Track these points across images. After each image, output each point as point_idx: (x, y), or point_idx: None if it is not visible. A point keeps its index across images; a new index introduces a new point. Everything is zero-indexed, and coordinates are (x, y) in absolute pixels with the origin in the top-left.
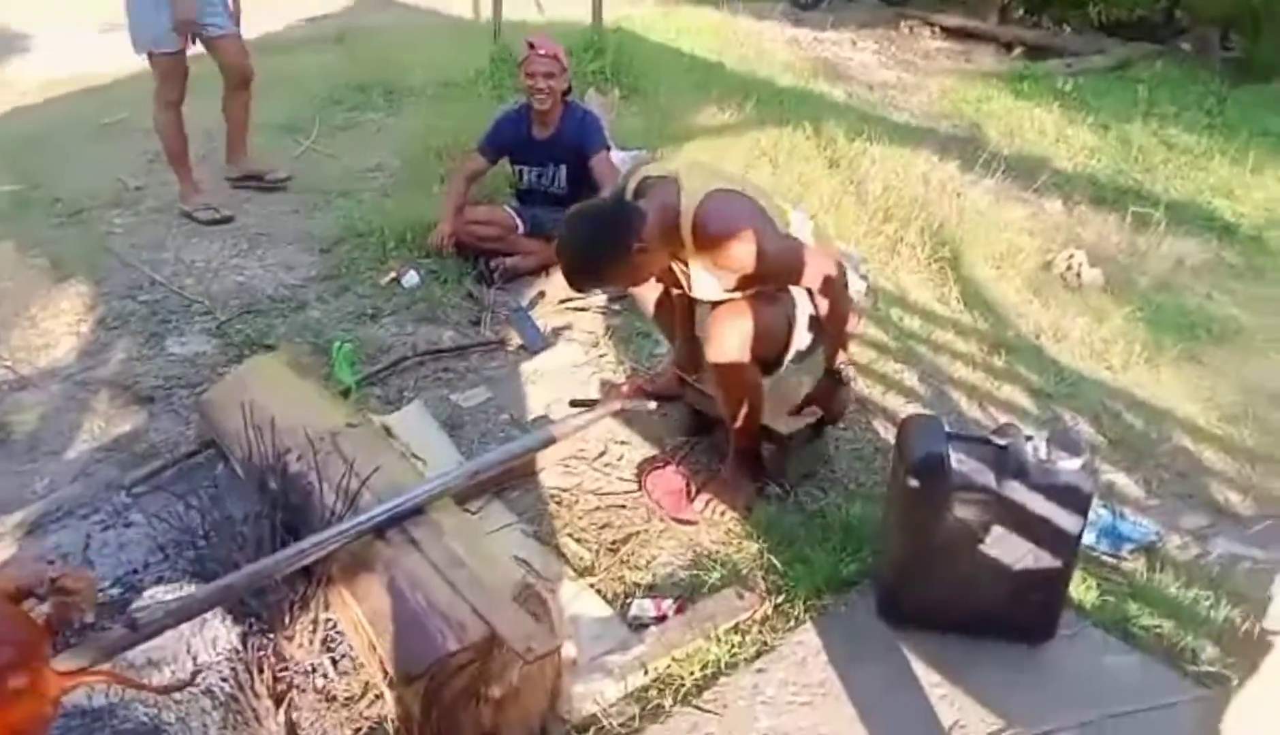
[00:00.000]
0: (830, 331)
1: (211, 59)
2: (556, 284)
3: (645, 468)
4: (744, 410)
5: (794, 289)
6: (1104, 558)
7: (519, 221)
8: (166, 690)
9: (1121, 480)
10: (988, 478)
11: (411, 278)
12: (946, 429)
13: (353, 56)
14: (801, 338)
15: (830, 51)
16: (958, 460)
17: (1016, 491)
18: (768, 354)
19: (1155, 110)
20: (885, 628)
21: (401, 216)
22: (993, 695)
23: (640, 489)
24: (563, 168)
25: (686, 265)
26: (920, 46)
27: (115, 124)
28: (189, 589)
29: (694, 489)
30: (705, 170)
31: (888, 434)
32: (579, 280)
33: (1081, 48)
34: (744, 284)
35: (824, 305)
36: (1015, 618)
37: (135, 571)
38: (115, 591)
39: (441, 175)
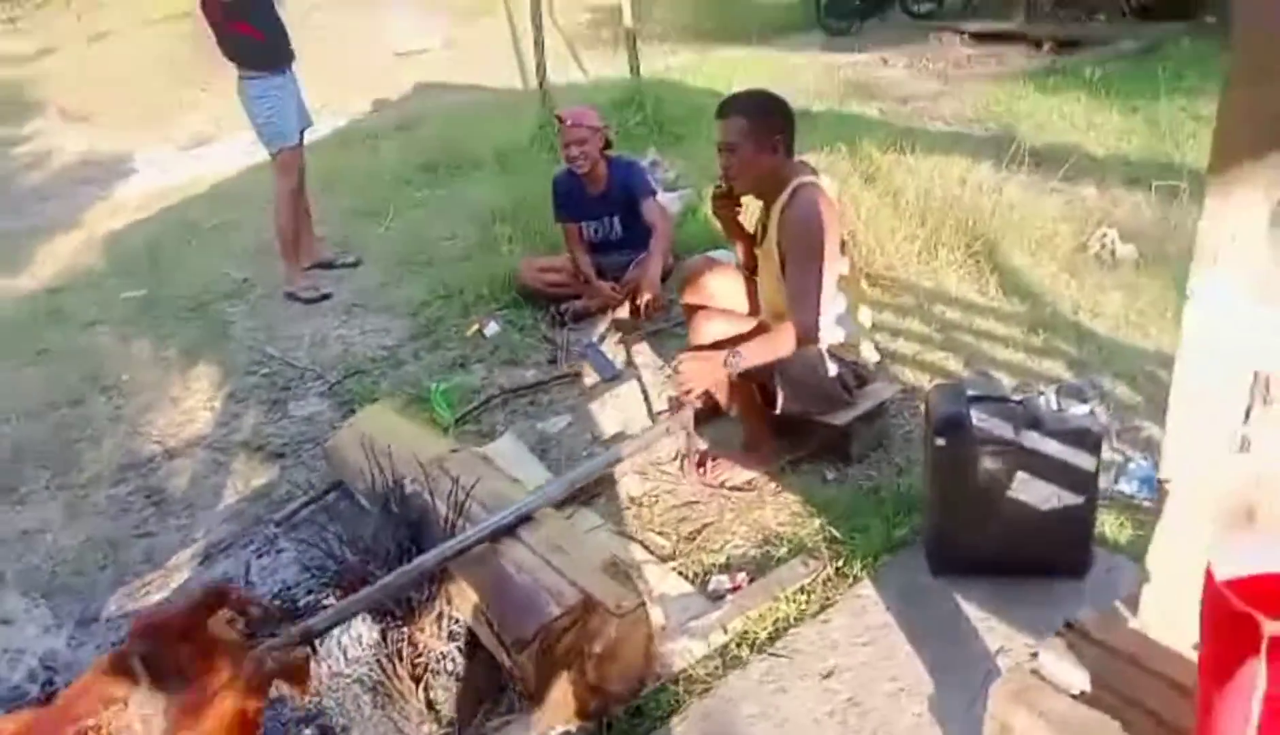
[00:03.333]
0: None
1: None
2: (620, 319)
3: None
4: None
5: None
6: (1145, 503)
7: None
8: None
9: (1159, 434)
10: (1006, 429)
11: (493, 327)
12: (969, 392)
13: (416, 140)
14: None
15: (862, 73)
16: (978, 417)
17: (1034, 440)
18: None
19: (1182, 86)
20: (934, 578)
21: (479, 275)
22: (1033, 624)
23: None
24: (616, 217)
25: (766, 219)
26: (951, 55)
27: (217, 226)
28: (332, 599)
29: (709, 461)
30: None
31: None
32: (733, 107)
33: (1110, 36)
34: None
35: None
36: (1049, 555)
37: (289, 587)
38: (276, 603)
39: (509, 235)
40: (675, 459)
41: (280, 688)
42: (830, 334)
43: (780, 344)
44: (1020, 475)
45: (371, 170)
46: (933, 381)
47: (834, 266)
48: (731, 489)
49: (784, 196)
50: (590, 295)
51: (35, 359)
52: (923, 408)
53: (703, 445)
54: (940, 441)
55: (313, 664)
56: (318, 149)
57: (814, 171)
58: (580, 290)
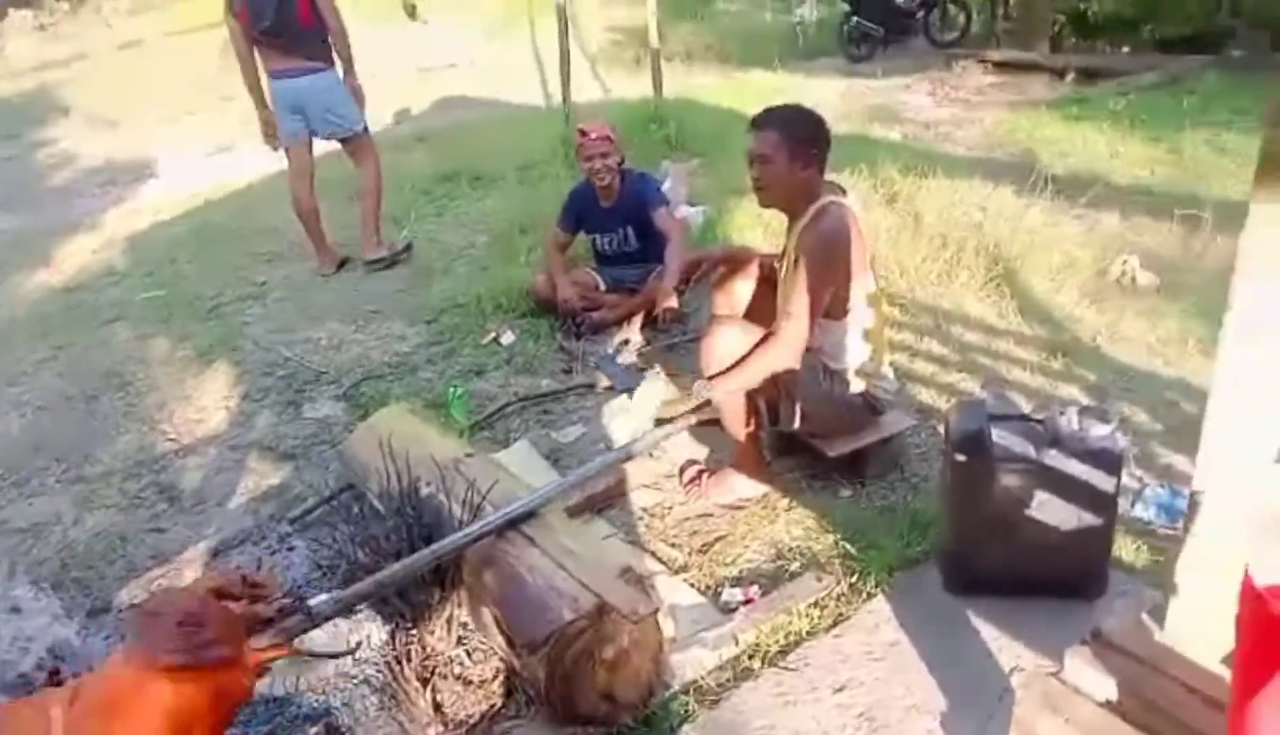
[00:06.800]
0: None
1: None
2: (636, 331)
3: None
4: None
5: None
6: (1161, 530)
7: (599, 280)
8: (336, 655)
9: (1180, 461)
10: (1027, 448)
11: (509, 336)
12: (989, 410)
13: (437, 151)
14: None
15: (883, 98)
16: (998, 435)
17: (1054, 459)
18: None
19: (1207, 119)
20: (949, 596)
21: (496, 285)
22: (1048, 643)
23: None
24: (630, 228)
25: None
26: (973, 83)
27: (236, 230)
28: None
29: (705, 476)
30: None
31: None
32: (769, 119)
33: (1134, 67)
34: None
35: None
36: (1066, 576)
37: (299, 585)
38: (285, 601)
39: (528, 247)
40: (680, 472)
41: (284, 682)
42: (855, 352)
43: (767, 361)
44: (1040, 494)
45: (392, 179)
46: (949, 402)
47: (861, 283)
48: (724, 506)
49: (810, 213)
50: (607, 306)
51: (53, 353)
52: (941, 427)
53: (703, 456)
54: (960, 458)
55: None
56: (339, 157)
57: (842, 190)
58: (596, 303)
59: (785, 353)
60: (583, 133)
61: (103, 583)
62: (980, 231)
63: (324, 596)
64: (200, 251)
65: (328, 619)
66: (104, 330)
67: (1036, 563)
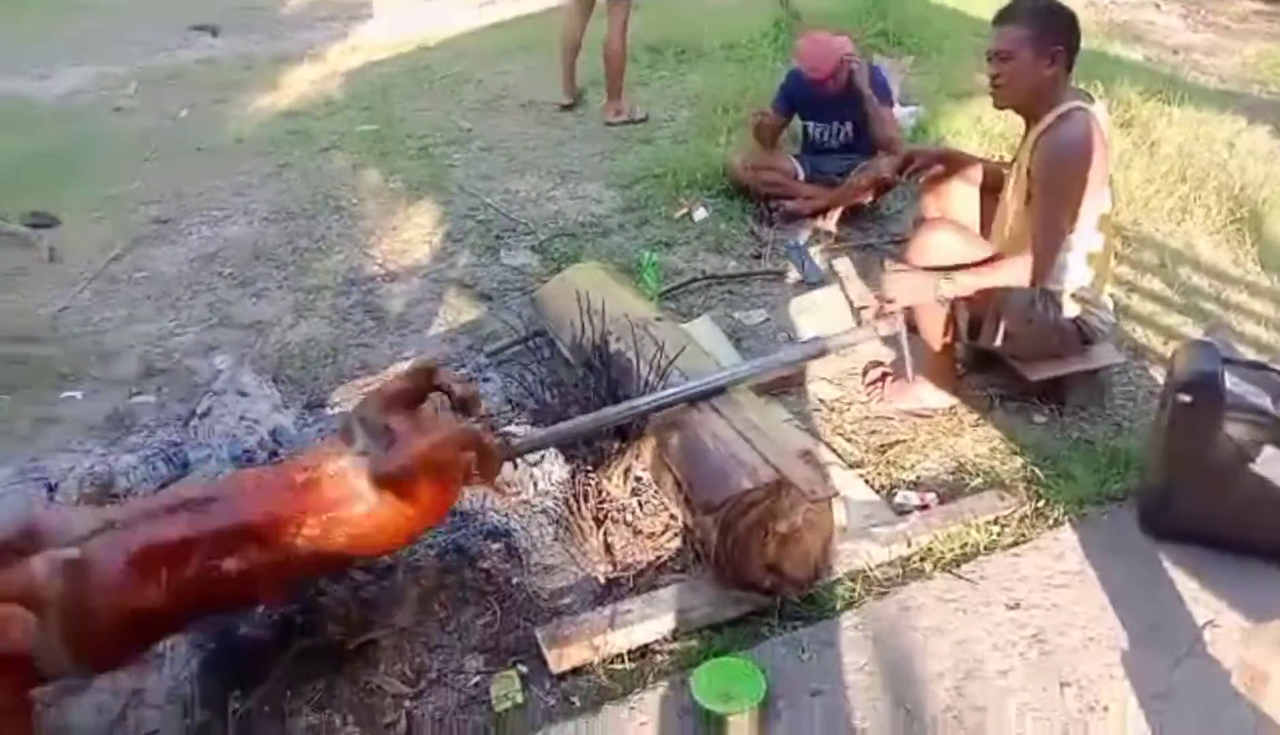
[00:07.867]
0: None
1: None
2: (832, 224)
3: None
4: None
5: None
6: None
7: (799, 169)
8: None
9: None
10: (1263, 399)
11: (701, 213)
12: (1223, 354)
13: (646, 20)
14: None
15: (1129, 14)
16: (1231, 381)
17: None
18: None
19: None
20: (1145, 538)
21: (693, 160)
22: (1253, 605)
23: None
24: (848, 123)
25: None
26: (1235, 9)
27: (449, 77)
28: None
29: (889, 380)
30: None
31: (1162, 379)
32: (1015, 12)
33: None
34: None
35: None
36: None
37: (491, 414)
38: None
39: (729, 126)
40: (864, 372)
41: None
42: (1076, 275)
43: (1007, 276)
44: (1269, 449)
45: (600, 45)
46: (1167, 344)
47: (1096, 202)
48: (907, 412)
49: (1050, 118)
50: (803, 197)
51: (277, 171)
52: (1154, 368)
53: (890, 359)
54: (1185, 398)
55: (504, 465)
56: (552, 16)
57: (1090, 97)
58: (793, 192)
59: (1022, 276)
60: (813, 68)
61: (315, 383)
62: (1225, 170)
63: (521, 431)
64: (412, 93)
65: (525, 453)
66: (322, 156)
67: (1251, 520)
